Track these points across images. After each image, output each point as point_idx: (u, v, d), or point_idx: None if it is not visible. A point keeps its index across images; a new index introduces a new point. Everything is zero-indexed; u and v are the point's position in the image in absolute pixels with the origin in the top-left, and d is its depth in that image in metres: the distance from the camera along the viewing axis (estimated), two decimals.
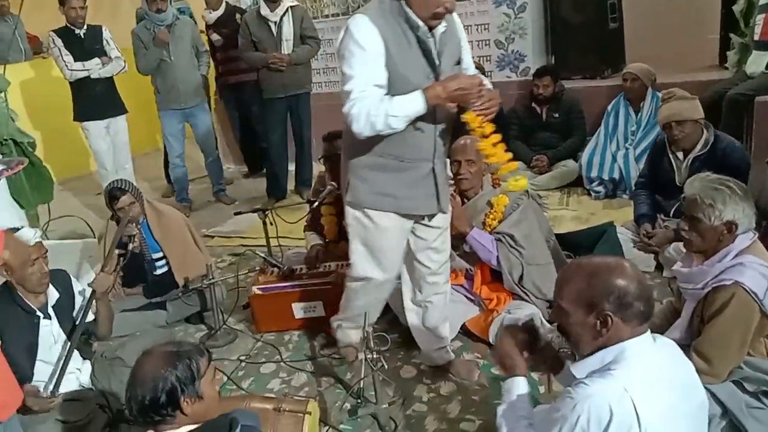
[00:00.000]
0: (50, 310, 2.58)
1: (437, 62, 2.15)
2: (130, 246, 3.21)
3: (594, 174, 4.55)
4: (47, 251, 2.55)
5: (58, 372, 2.51)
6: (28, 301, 2.52)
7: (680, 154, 3.35)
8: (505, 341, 1.80)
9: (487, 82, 2.16)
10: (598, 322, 1.47)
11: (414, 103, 2.04)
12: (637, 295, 1.46)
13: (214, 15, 5.72)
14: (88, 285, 2.75)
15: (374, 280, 2.45)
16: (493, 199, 2.92)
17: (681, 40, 5.55)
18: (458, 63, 2.25)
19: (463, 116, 2.11)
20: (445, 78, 2.11)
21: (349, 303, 2.62)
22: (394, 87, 2.09)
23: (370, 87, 2.04)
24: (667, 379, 1.45)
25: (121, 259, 3.14)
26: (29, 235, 2.49)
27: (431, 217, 2.40)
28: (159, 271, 3.46)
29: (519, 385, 1.75)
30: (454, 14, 2.20)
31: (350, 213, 2.37)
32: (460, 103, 2.09)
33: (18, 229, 2.50)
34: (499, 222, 2.89)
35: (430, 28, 2.11)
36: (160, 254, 3.44)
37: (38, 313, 2.53)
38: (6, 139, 4.13)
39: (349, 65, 2.05)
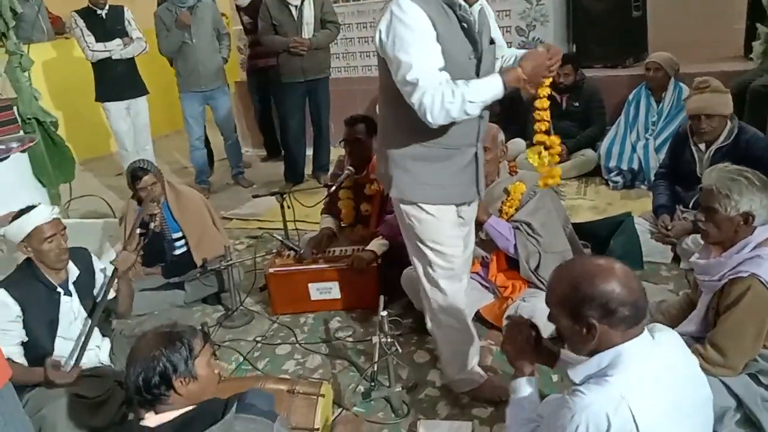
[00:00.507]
0: (71, 287, 2.62)
1: (478, 40, 2.07)
2: (152, 225, 3.25)
3: (613, 164, 4.52)
4: (65, 228, 2.58)
5: (79, 348, 2.56)
6: (50, 277, 2.56)
7: (702, 145, 3.30)
8: (509, 339, 1.80)
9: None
10: (584, 329, 1.45)
11: (493, 88, 1.94)
12: (621, 300, 1.42)
13: None
14: (111, 263, 2.79)
15: (436, 267, 2.29)
16: (509, 186, 2.91)
17: (706, 30, 5.47)
18: (492, 42, 2.19)
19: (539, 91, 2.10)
20: (485, 55, 2.08)
21: (437, 327, 2.43)
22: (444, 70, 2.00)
23: (435, 72, 1.94)
24: (666, 378, 1.43)
25: (142, 238, 3.18)
26: (46, 212, 2.52)
27: (469, 204, 2.36)
28: (178, 251, 3.51)
29: (522, 388, 1.75)
30: None
31: (400, 209, 2.27)
32: (537, 81, 2.03)
33: (34, 207, 2.53)
34: (516, 210, 2.88)
35: (469, 5, 2.05)
36: (180, 234, 3.49)
37: (59, 289, 2.57)
38: (29, 118, 4.20)
39: (404, 51, 1.93)
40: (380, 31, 2.00)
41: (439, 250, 2.26)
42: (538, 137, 2.19)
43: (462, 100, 1.91)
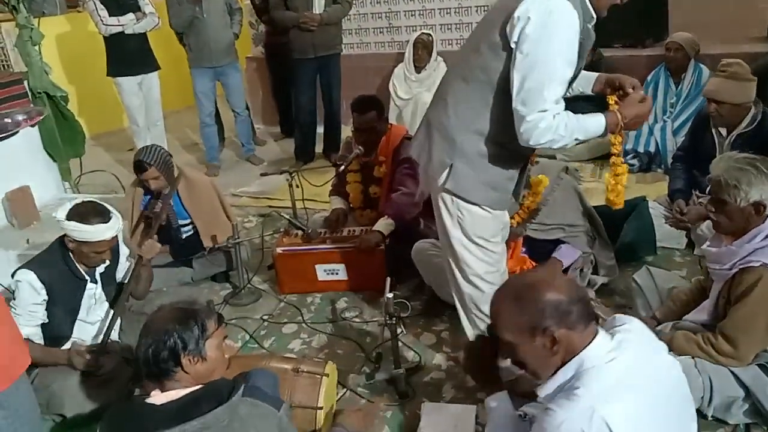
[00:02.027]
0: (97, 276, 2.63)
1: (582, 57, 2.01)
2: (155, 223, 3.19)
3: (629, 146, 4.43)
4: (117, 242, 2.59)
5: (102, 336, 2.58)
6: (79, 266, 2.56)
7: (723, 130, 3.21)
8: (470, 360, 1.79)
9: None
10: (547, 341, 1.42)
11: (596, 130, 1.95)
12: (569, 300, 1.42)
13: None
14: (137, 251, 2.79)
15: (485, 275, 2.23)
16: (532, 179, 2.80)
17: (729, 9, 5.31)
18: None
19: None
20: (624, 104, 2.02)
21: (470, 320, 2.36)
22: None
23: (560, 98, 1.89)
24: (634, 375, 1.39)
25: (149, 228, 3.16)
26: (113, 230, 2.47)
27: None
28: (184, 236, 3.51)
29: (493, 404, 1.75)
30: None
31: (448, 201, 2.16)
32: (632, 128, 2.03)
33: (109, 216, 2.47)
34: (539, 205, 2.81)
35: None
36: (187, 220, 3.47)
37: (87, 277, 2.58)
38: (40, 92, 4.18)
39: (551, 60, 1.83)
40: (529, 19, 1.83)
41: (484, 246, 2.20)
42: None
43: (570, 137, 1.90)
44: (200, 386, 1.56)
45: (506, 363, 1.55)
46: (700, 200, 3.30)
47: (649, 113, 1.99)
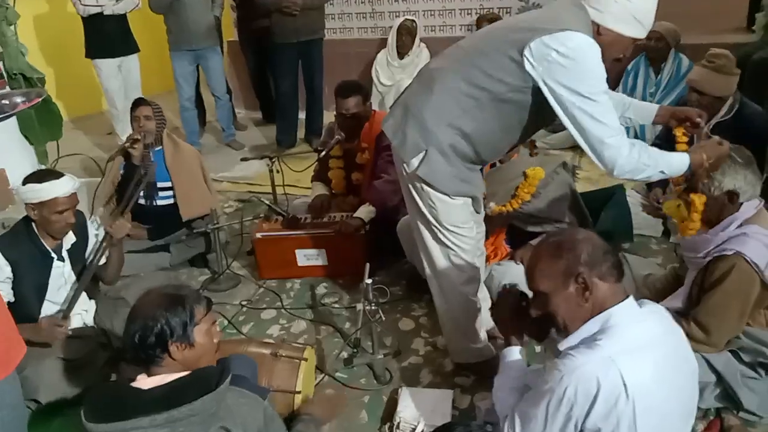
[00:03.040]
0: (64, 253, 2.59)
1: None
2: (131, 150, 3.18)
3: None
4: (78, 202, 2.55)
5: (65, 309, 2.54)
6: (45, 242, 2.52)
7: None
8: (499, 310, 1.81)
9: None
10: (580, 287, 1.47)
11: (681, 165, 1.97)
12: (603, 250, 1.49)
13: None
14: (106, 230, 2.76)
15: (453, 255, 2.24)
16: (528, 170, 2.78)
17: (709, 0, 5.34)
18: None
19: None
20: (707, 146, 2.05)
21: (445, 307, 2.39)
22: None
23: (618, 124, 1.96)
24: (655, 346, 1.44)
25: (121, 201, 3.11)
26: (68, 185, 2.43)
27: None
28: (162, 201, 3.45)
29: (512, 354, 1.77)
30: None
31: (420, 191, 2.16)
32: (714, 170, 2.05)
33: (62, 175, 2.46)
34: (532, 197, 2.81)
35: None
36: (168, 184, 3.43)
37: (53, 254, 2.54)
38: (15, 74, 4.11)
39: (591, 97, 1.89)
40: (556, 51, 1.87)
41: (457, 232, 2.21)
42: (680, 193, 2.18)
43: (655, 169, 1.94)
44: (187, 373, 1.54)
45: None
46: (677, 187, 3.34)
47: (727, 155, 2.02)
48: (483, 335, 2.44)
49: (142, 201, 3.43)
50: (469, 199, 2.20)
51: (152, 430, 1.39)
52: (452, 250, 2.23)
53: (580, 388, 1.37)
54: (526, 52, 1.92)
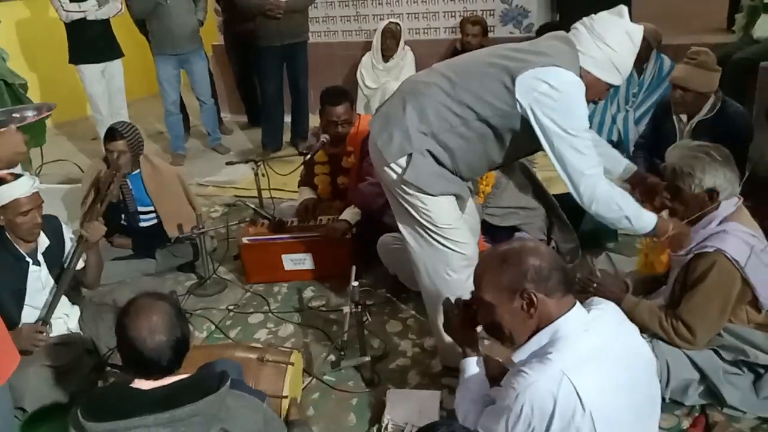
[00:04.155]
0: (40, 257, 2.57)
1: None
2: (109, 189, 3.08)
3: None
4: (42, 202, 2.53)
5: (45, 314, 2.52)
6: (18, 246, 2.51)
7: (684, 117, 3.27)
8: (450, 324, 1.81)
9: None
10: (524, 303, 1.47)
11: (647, 225, 2.07)
12: (550, 267, 1.47)
13: None
14: (81, 232, 2.73)
15: (450, 255, 2.23)
16: None
17: (690, 1, 5.42)
18: None
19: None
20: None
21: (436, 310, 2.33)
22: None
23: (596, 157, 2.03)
24: (605, 351, 1.44)
25: (99, 206, 3.07)
26: (27, 185, 2.43)
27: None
28: (145, 224, 3.45)
29: (470, 367, 1.78)
30: None
31: (410, 198, 2.16)
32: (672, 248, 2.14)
33: (20, 176, 2.45)
34: (493, 188, 2.83)
35: None
36: (150, 208, 3.42)
37: (27, 259, 2.52)
38: None
39: (580, 131, 1.99)
40: (548, 84, 1.95)
41: (451, 237, 2.20)
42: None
43: (622, 215, 2.05)
44: (187, 375, 1.55)
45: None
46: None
47: (687, 237, 2.09)
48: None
49: (124, 223, 3.42)
50: (453, 197, 2.21)
51: (155, 429, 1.40)
52: (448, 250, 2.22)
53: (535, 405, 1.37)
54: (518, 80, 1.97)
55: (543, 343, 1.47)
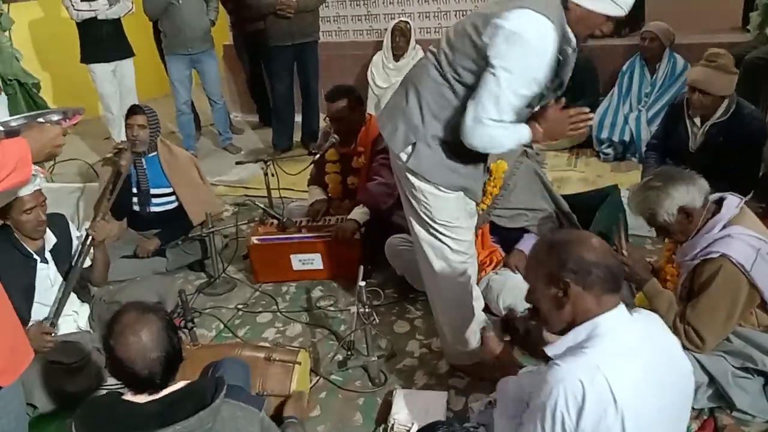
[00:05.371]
0: (47, 254, 2.60)
1: (562, 79, 2.05)
2: (119, 159, 3.14)
3: (604, 135, 4.46)
4: (45, 199, 2.55)
5: (53, 312, 2.55)
6: (26, 244, 2.54)
7: (698, 120, 3.23)
8: (489, 344, 1.81)
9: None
10: (559, 291, 1.46)
11: (521, 139, 2.00)
12: (594, 262, 1.44)
13: None
14: (87, 231, 2.76)
15: (445, 249, 2.22)
16: (491, 165, 2.77)
17: (704, 0, 5.36)
18: None
19: None
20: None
21: (440, 307, 2.39)
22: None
23: (511, 119, 1.94)
24: (642, 351, 1.42)
25: (113, 194, 3.07)
26: (29, 183, 2.46)
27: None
28: (158, 208, 3.48)
29: (506, 386, 1.75)
30: None
31: (413, 186, 2.16)
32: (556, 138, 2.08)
33: None
34: (501, 190, 2.81)
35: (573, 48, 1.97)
36: (166, 190, 3.46)
37: (35, 256, 2.56)
38: (11, 79, 4.12)
39: (510, 80, 1.86)
40: (504, 29, 1.84)
41: (449, 227, 2.20)
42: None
43: (500, 144, 1.99)
44: (181, 386, 1.53)
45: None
46: None
47: (566, 118, 2.03)
48: (478, 336, 2.44)
49: (136, 208, 3.45)
50: (461, 193, 2.19)
51: None
52: (447, 247, 2.22)
53: (569, 397, 1.35)
54: (484, 32, 1.91)
55: (580, 339, 1.45)
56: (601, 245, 1.49)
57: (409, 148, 2.11)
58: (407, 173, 2.15)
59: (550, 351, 1.50)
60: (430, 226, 2.20)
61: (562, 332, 1.50)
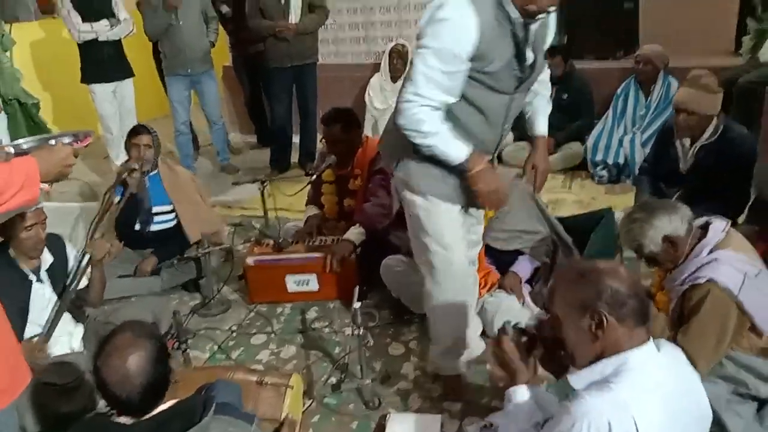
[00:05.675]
0: (43, 274, 2.60)
1: (527, 57, 1.99)
2: (130, 181, 3.18)
3: (599, 158, 4.50)
4: (46, 217, 2.56)
5: (46, 331, 2.54)
6: (22, 263, 2.54)
7: (687, 141, 3.26)
8: (505, 347, 1.69)
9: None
10: (593, 323, 1.40)
11: (457, 155, 1.97)
12: (629, 293, 1.40)
13: None
14: (85, 250, 2.76)
15: (438, 260, 2.22)
16: None
17: (698, 24, 5.42)
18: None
19: None
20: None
21: (435, 317, 2.38)
22: (479, 82, 1.96)
23: (440, 99, 1.94)
24: (669, 395, 1.38)
25: (118, 205, 3.13)
26: None
27: (478, 208, 2.30)
28: (158, 227, 3.50)
29: (518, 394, 1.65)
30: None
31: (406, 198, 2.21)
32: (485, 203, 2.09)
33: None
34: (496, 211, 2.82)
35: (525, 24, 1.93)
36: (166, 208, 3.49)
37: (31, 276, 2.56)
38: (11, 99, 4.14)
39: (432, 56, 1.88)
40: (425, 11, 1.91)
41: (440, 247, 2.20)
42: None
43: (430, 143, 1.96)
44: (170, 405, 1.53)
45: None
46: None
47: (499, 202, 2.05)
48: (465, 354, 2.45)
49: (137, 227, 3.46)
50: (450, 205, 2.18)
51: None
52: (440, 259, 2.22)
53: (592, 430, 1.31)
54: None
55: (607, 373, 1.40)
56: (631, 276, 1.45)
57: (396, 161, 2.16)
58: (400, 188, 2.20)
59: (573, 382, 1.46)
60: (422, 240, 2.23)
61: (587, 364, 1.46)
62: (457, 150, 1.98)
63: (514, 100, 2.07)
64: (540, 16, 1.92)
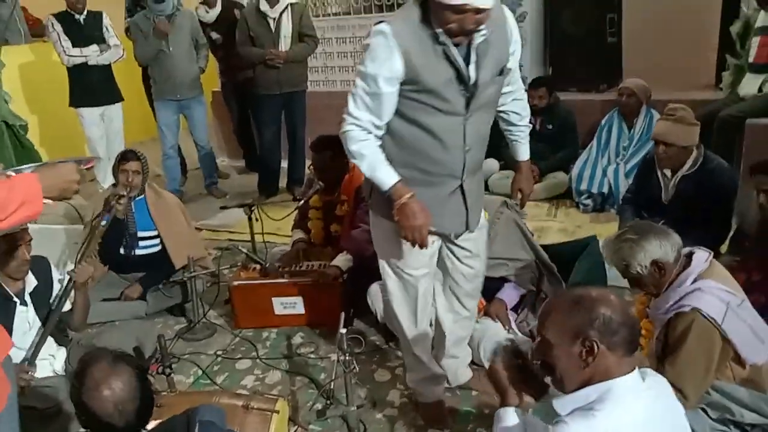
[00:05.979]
0: (27, 297, 2.58)
1: (467, 75, 1.97)
2: (114, 208, 3.15)
3: (583, 187, 4.56)
4: (31, 239, 2.55)
5: (30, 356, 2.51)
6: (6, 286, 2.52)
7: (668, 172, 3.33)
8: (497, 367, 1.72)
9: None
10: (584, 350, 1.42)
11: (383, 182, 2.01)
12: (621, 322, 1.43)
13: (213, 13, 5.58)
14: (68, 273, 2.74)
15: (403, 275, 2.28)
16: None
17: (680, 58, 5.56)
18: (501, 73, 2.08)
19: None
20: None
21: (402, 334, 2.43)
22: (423, 103, 1.99)
23: (368, 119, 1.99)
24: (651, 422, 1.40)
25: (102, 226, 3.08)
26: None
27: (458, 235, 2.27)
28: (143, 251, 3.48)
29: (508, 417, 1.66)
30: (508, 14, 2.09)
31: (374, 221, 2.29)
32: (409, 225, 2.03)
33: None
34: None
35: (456, 44, 1.94)
36: (151, 233, 3.47)
37: (15, 299, 2.53)
38: None
39: (358, 79, 1.99)
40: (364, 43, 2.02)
41: (401, 274, 2.28)
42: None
43: (360, 162, 2.02)
44: (155, 425, 1.53)
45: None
46: None
47: (420, 239, 2.02)
48: (425, 375, 2.49)
49: (122, 251, 3.44)
50: (393, 227, 2.11)
51: None
52: (390, 276, 2.33)
53: None
54: None
55: (591, 399, 1.42)
56: (623, 304, 1.47)
57: (369, 187, 2.19)
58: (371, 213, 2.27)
59: (557, 406, 1.47)
60: (383, 266, 2.33)
61: (574, 389, 1.47)
62: (384, 176, 2.01)
63: (468, 122, 2.04)
64: (475, 35, 1.93)
